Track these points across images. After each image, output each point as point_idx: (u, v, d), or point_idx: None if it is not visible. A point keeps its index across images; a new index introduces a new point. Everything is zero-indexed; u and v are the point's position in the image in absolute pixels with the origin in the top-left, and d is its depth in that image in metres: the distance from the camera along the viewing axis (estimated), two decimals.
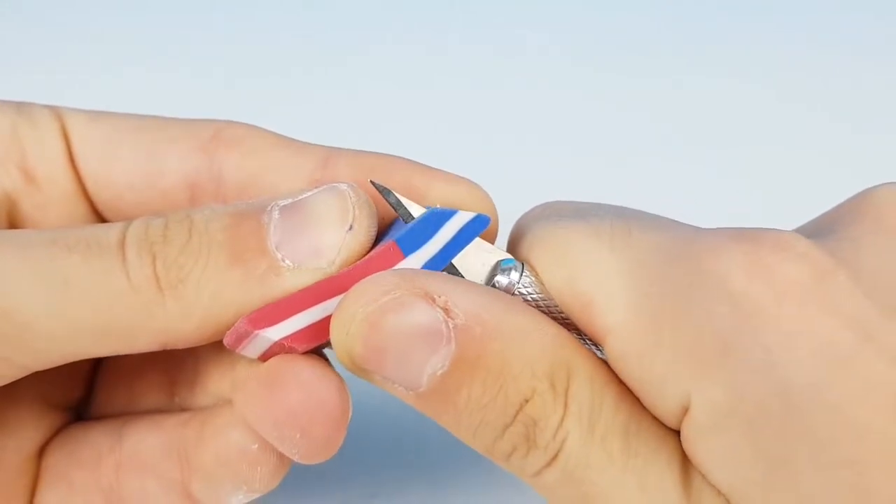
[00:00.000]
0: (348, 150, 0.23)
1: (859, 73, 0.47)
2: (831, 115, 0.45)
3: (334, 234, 0.19)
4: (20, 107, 0.24)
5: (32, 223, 0.23)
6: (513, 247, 0.22)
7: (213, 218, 0.19)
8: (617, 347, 0.19)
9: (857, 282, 0.17)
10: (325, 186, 0.20)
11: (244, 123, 0.24)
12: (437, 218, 0.20)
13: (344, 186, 0.20)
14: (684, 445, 0.18)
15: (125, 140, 0.23)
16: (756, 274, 0.17)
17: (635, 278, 0.18)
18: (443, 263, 0.20)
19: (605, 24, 0.50)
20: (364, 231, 0.19)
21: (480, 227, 0.20)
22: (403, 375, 0.18)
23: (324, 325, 0.19)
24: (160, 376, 0.24)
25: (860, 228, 0.19)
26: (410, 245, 0.19)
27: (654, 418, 0.19)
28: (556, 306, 0.20)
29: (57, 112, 0.24)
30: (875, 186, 0.20)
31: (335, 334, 0.18)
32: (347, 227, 0.19)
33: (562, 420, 0.18)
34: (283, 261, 0.19)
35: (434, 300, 0.18)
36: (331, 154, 0.23)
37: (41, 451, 0.23)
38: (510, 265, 0.20)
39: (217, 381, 0.23)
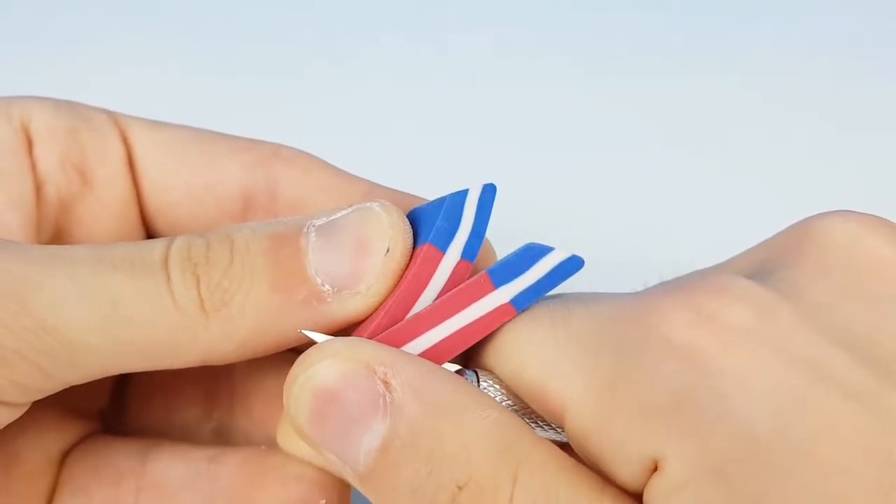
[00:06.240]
0: (387, 187, 0.23)
1: (859, 75, 0.47)
2: (828, 115, 0.45)
3: (372, 258, 0.19)
4: (75, 108, 0.23)
5: (84, 229, 0.23)
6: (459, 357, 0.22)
7: (253, 239, 0.19)
8: (575, 425, 0.18)
9: (801, 317, 0.17)
10: (356, 206, 0.20)
11: (300, 149, 0.24)
12: (532, 253, 0.19)
13: (376, 207, 0.19)
14: None
15: (188, 148, 0.23)
16: (698, 324, 0.17)
17: (581, 353, 0.18)
18: (532, 299, 0.19)
19: (602, 25, 0.50)
20: (400, 252, 0.19)
21: (574, 268, 0.19)
22: (344, 452, 0.18)
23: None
24: (197, 389, 0.24)
25: (802, 265, 0.18)
26: (502, 277, 0.19)
27: None
28: (522, 406, 0.19)
29: (113, 116, 0.24)
30: (813, 218, 0.19)
31: (285, 400, 0.18)
32: (385, 250, 0.19)
33: None
34: (324, 285, 0.19)
35: (375, 371, 0.17)
36: (373, 188, 0.23)
37: (63, 458, 0.23)
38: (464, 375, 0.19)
39: (254, 400, 0.24)
